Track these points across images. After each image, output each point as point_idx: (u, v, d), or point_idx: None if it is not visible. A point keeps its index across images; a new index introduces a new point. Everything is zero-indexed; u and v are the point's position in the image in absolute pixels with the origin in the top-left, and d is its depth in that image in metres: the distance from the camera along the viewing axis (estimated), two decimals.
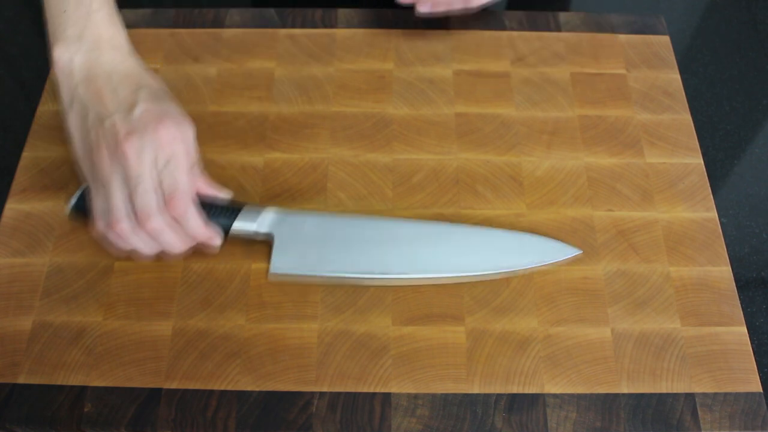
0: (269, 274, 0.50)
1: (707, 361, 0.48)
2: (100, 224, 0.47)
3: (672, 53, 0.64)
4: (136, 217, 0.46)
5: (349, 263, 0.50)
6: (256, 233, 0.50)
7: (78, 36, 0.49)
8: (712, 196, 0.56)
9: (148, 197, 0.46)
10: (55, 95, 0.58)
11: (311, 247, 0.50)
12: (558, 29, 0.65)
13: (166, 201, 0.46)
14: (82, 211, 0.47)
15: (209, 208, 0.49)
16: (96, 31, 0.49)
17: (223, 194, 0.51)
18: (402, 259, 0.50)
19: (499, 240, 0.51)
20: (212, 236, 0.49)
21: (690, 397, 0.47)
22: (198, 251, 0.50)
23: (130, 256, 0.49)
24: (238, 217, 0.49)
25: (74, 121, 0.48)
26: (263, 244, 0.52)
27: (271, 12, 0.65)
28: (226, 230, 0.48)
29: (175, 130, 0.46)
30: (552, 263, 0.51)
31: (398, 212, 0.54)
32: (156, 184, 0.46)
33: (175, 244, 0.48)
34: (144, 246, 0.48)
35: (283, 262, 0.50)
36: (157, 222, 0.46)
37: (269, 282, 0.51)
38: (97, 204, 0.47)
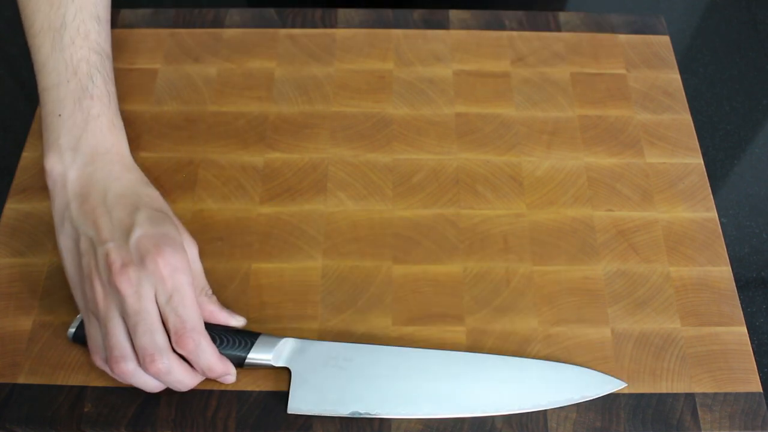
0: (288, 408, 0.45)
1: (707, 361, 0.48)
2: (98, 359, 0.43)
3: (672, 53, 0.64)
4: (139, 357, 0.41)
5: (374, 401, 0.45)
6: (272, 366, 0.46)
7: (73, 147, 0.44)
8: (712, 196, 0.56)
9: (150, 337, 0.41)
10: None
11: (331, 382, 0.45)
12: (558, 29, 0.65)
13: (174, 339, 0.42)
14: (83, 338, 0.45)
15: (221, 337, 0.45)
16: (93, 141, 0.45)
17: (235, 321, 0.47)
18: (430, 395, 0.45)
19: (537, 372, 0.46)
20: (227, 371, 0.44)
21: (690, 397, 0.47)
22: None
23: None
24: (252, 348, 0.46)
25: (65, 242, 0.44)
26: (259, 240, 0.52)
27: (271, 12, 0.65)
28: (241, 361, 0.45)
29: (177, 259, 0.42)
30: (594, 398, 0.46)
31: (398, 212, 0.54)
32: (159, 321, 0.42)
33: (185, 381, 0.44)
34: (150, 384, 0.43)
35: (301, 401, 0.45)
36: (163, 363, 0.41)
37: (269, 282, 0.51)
38: (93, 337, 0.43)
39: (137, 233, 0.42)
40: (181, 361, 0.43)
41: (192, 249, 0.46)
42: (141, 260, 0.41)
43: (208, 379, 0.46)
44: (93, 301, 0.42)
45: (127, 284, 0.41)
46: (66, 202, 0.44)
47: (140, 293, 0.41)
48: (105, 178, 0.45)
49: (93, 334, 0.43)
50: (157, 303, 0.42)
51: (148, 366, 0.41)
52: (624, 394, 0.47)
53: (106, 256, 0.41)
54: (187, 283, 0.42)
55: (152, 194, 0.46)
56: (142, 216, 0.43)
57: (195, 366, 0.43)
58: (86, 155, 0.45)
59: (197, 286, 0.46)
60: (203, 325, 0.43)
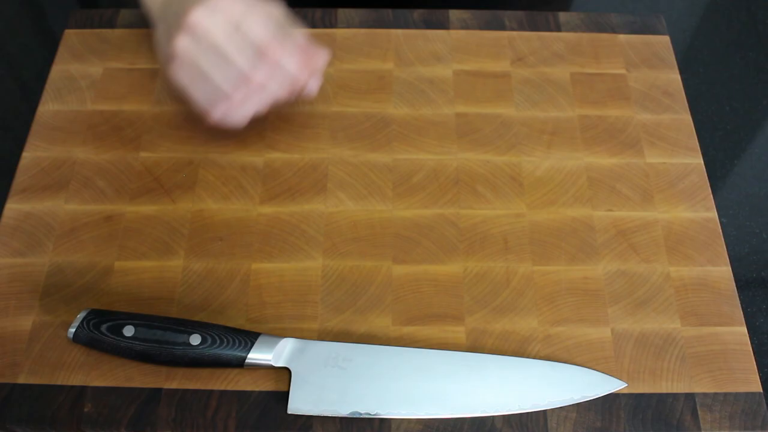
0: (288, 408, 0.45)
1: (707, 361, 0.48)
2: (214, 111, 0.49)
3: (672, 53, 0.64)
4: (241, 80, 0.47)
5: (374, 401, 0.45)
6: (272, 366, 0.46)
7: None
8: (712, 196, 0.56)
9: (242, 58, 0.47)
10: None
11: (331, 382, 0.45)
12: (558, 29, 0.65)
13: (260, 54, 0.47)
14: (83, 338, 0.46)
15: (221, 337, 0.46)
16: None
17: (320, 53, 0.51)
18: (430, 395, 0.45)
19: (537, 372, 0.47)
20: (313, 69, 0.50)
21: (690, 397, 0.47)
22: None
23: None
24: (253, 348, 0.46)
25: (160, 28, 0.50)
26: (259, 240, 0.52)
27: None
28: (241, 361, 0.46)
29: (214, 3, 0.46)
30: (595, 398, 0.46)
31: (398, 212, 0.54)
32: (241, 44, 0.47)
33: (282, 88, 0.49)
34: (257, 105, 0.49)
35: (301, 401, 0.45)
36: (261, 75, 0.48)
37: (269, 282, 0.51)
38: (201, 94, 0.49)
39: (181, 5, 0.48)
40: (275, 70, 0.48)
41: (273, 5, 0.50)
42: (207, 1, 0.46)
43: (208, 380, 0.46)
44: (182, 55, 0.48)
45: (201, 22, 0.46)
46: (159, 10, 0.51)
47: (216, 25, 0.46)
48: None
49: (201, 92, 0.49)
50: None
51: (251, 82, 0.48)
52: (624, 394, 0.47)
53: (181, 5, 0.48)
54: (249, 7, 0.47)
55: None
56: None
57: (285, 72, 0.49)
58: None
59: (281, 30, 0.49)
60: (276, 38, 0.48)
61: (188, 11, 0.47)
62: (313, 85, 0.52)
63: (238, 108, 0.50)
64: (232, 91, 0.48)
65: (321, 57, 0.52)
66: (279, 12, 0.50)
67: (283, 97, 0.51)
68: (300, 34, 0.51)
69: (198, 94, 0.50)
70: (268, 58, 0.48)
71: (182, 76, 0.49)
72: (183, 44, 0.47)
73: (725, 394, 0.47)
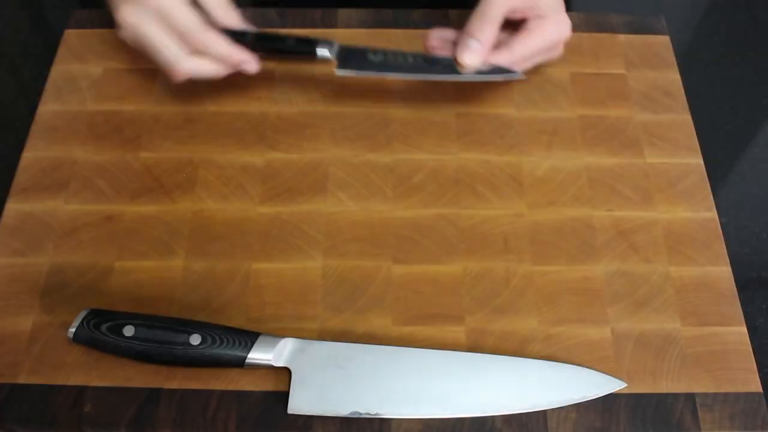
0: (288, 408, 0.45)
1: (707, 361, 0.48)
2: (173, 72, 0.52)
3: (672, 53, 0.64)
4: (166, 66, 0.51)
5: (374, 401, 0.45)
6: (272, 366, 0.46)
7: None
8: (712, 196, 0.56)
9: (159, 54, 0.50)
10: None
11: (331, 382, 0.45)
12: None
13: (185, 44, 0.51)
14: (83, 338, 0.46)
15: (221, 337, 0.46)
16: None
17: (250, 27, 0.54)
18: (430, 395, 0.45)
19: (537, 372, 0.46)
20: (242, 57, 0.53)
21: (690, 397, 0.47)
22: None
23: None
24: (253, 348, 0.46)
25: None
26: (259, 240, 0.52)
27: (271, 12, 0.65)
28: (241, 361, 0.46)
29: None
30: (595, 398, 0.46)
31: (398, 212, 0.54)
32: (162, 37, 0.50)
33: (215, 70, 0.53)
34: (202, 70, 0.53)
35: (301, 401, 0.45)
36: (183, 66, 0.51)
37: (269, 282, 0.51)
38: (153, 58, 0.52)
39: None
40: (200, 59, 0.52)
41: None
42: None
43: (208, 380, 0.46)
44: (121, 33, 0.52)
45: (126, 18, 0.50)
46: None
47: (140, 21, 0.50)
48: None
49: (156, 59, 0.52)
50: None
51: (172, 76, 0.51)
52: (624, 394, 0.47)
53: (111, 4, 0.52)
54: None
55: None
56: None
57: (215, 55, 0.52)
58: None
59: (217, 4, 0.53)
60: (201, 23, 0.51)
61: (118, 7, 0.51)
62: (252, 64, 0.54)
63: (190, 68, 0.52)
64: (170, 74, 0.52)
65: (248, 57, 0.54)
66: None
67: (223, 74, 0.54)
68: (230, 9, 0.54)
69: (151, 57, 0.53)
70: (195, 46, 0.51)
71: (131, 41, 0.52)
72: (124, 16, 0.51)
73: (725, 394, 0.47)
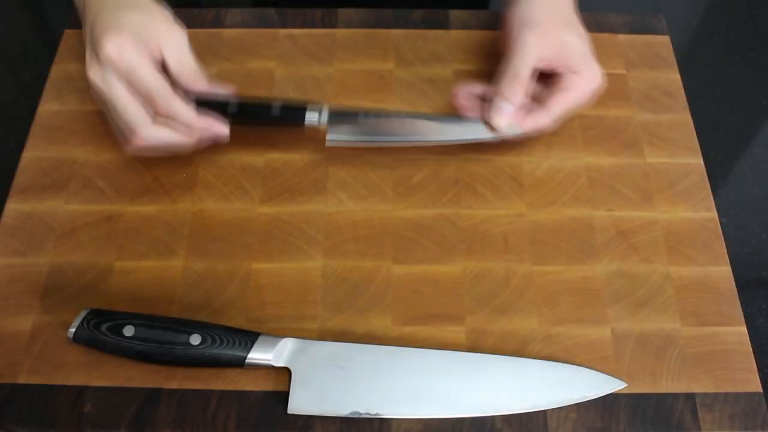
0: (288, 408, 0.45)
1: (707, 361, 0.48)
2: (126, 144, 0.50)
3: (672, 53, 0.64)
4: (125, 136, 0.49)
5: (374, 401, 0.45)
6: (272, 366, 0.46)
7: None
8: (712, 196, 0.56)
9: (124, 118, 0.48)
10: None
11: (332, 382, 0.45)
12: None
13: (150, 108, 0.48)
14: (83, 338, 0.46)
15: (221, 337, 0.46)
16: None
17: (224, 90, 0.52)
18: (430, 395, 0.45)
19: (537, 372, 0.46)
20: (209, 125, 0.50)
21: (690, 397, 0.47)
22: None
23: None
24: (253, 348, 0.46)
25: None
26: (259, 240, 0.52)
27: (271, 12, 0.65)
28: (241, 361, 0.46)
29: (121, 41, 0.47)
30: (595, 398, 0.46)
31: (398, 212, 0.54)
32: (129, 101, 0.48)
33: (179, 139, 0.50)
34: (164, 140, 0.50)
35: (301, 401, 0.45)
36: (147, 132, 0.48)
37: (269, 282, 0.51)
38: (114, 124, 0.50)
39: (96, 28, 0.48)
40: (168, 122, 0.49)
41: (178, 34, 0.51)
42: (96, 53, 0.47)
43: (208, 380, 0.46)
44: (94, 95, 0.50)
45: (94, 77, 0.48)
46: (81, 16, 0.52)
47: (107, 82, 0.47)
48: None
49: (113, 125, 0.50)
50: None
51: (132, 142, 0.48)
52: (624, 394, 0.47)
53: (86, 55, 0.49)
54: (138, 56, 0.48)
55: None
56: (106, 11, 0.49)
57: (179, 125, 0.49)
58: None
59: (184, 71, 0.51)
60: (169, 89, 0.48)
61: (87, 66, 0.49)
62: (220, 130, 0.51)
63: (146, 143, 0.50)
64: (126, 142, 0.50)
65: (216, 126, 0.51)
66: (179, 45, 0.51)
67: (189, 144, 0.51)
68: (198, 75, 0.52)
69: (113, 120, 0.50)
70: (158, 111, 0.48)
71: (97, 101, 0.50)
72: (92, 75, 0.48)
73: (725, 394, 0.47)
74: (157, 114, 0.49)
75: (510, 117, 0.52)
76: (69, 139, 0.57)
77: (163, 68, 0.51)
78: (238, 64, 0.62)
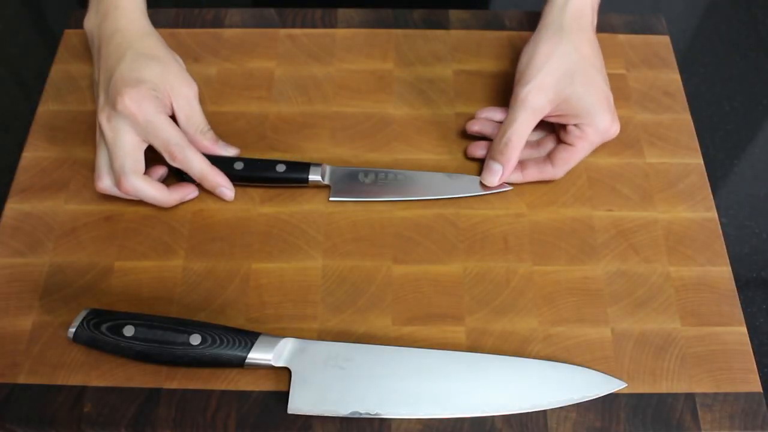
0: (288, 408, 0.45)
1: (707, 361, 0.48)
2: (98, 183, 0.51)
3: (672, 53, 0.64)
4: (114, 178, 0.50)
5: (374, 401, 0.45)
6: (272, 366, 0.46)
7: (96, 3, 0.53)
8: (712, 196, 0.56)
9: (119, 162, 0.50)
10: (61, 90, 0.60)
11: (331, 382, 0.45)
12: None
13: (167, 158, 0.50)
14: (83, 338, 0.46)
15: (221, 337, 0.46)
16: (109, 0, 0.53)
17: (227, 152, 0.54)
18: (430, 395, 0.45)
19: (537, 372, 0.46)
20: (219, 181, 0.52)
21: (690, 397, 0.47)
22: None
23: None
24: (253, 348, 0.46)
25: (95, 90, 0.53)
26: (259, 240, 0.52)
27: (271, 12, 0.65)
28: (241, 361, 0.46)
29: (141, 95, 0.49)
30: (595, 398, 0.46)
31: (398, 212, 0.54)
32: (133, 149, 0.50)
33: (159, 198, 0.51)
34: (149, 196, 0.51)
35: (301, 401, 0.45)
36: (127, 184, 0.50)
37: (269, 282, 0.51)
38: (98, 164, 0.52)
39: (114, 76, 0.50)
40: (148, 182, 0.51)
41: (188, 89, 0.53)
42: (113, 102, 0.49)
43: (208, 380, 0.46)
44: (97, 132, 0.52)
45: (104, 121, 0.50)
46: (95, 52, 0.54)
47: (115, 128, 0.50)
48: (111, 32, 0.52)
49: (98, 160, 0.51)
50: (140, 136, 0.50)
51: (119, 186, 0.50)
52: (624, 394, 0.47)
53: (98, 96, 0.51)
54: (155, 110, 0.50)
55: (149, 42, 0.53)
56: (124, 62, 0.51)
57: (192, 174, 0.52)
58: (102, 12, 0.53)
59: (192, 126, 0.53)
60: (186, 141, 0.51)
61: (99, 107, 0.51)
62: (227, 194, 0.54)
63: (107, 192, 0.52)
64: (99, 178, 0.51)
65: (225, 182, 0.53)
66: (189, 101, 0.53)
67: (168, 204, 0.52)
68: (205, 132, 0.54)
69: (98, 162, 0.52)
70: (173, 160, 0.51)
71: (103, 140, 0.52)
72: (103, 120, 0.50)
73: (725, 394, 0.47)
74: (174, 163, 0.51)
75: (499, 177, 0.53)
76: (69, 139, 0.57)
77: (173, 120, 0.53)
78: (238, 64, 0.62)
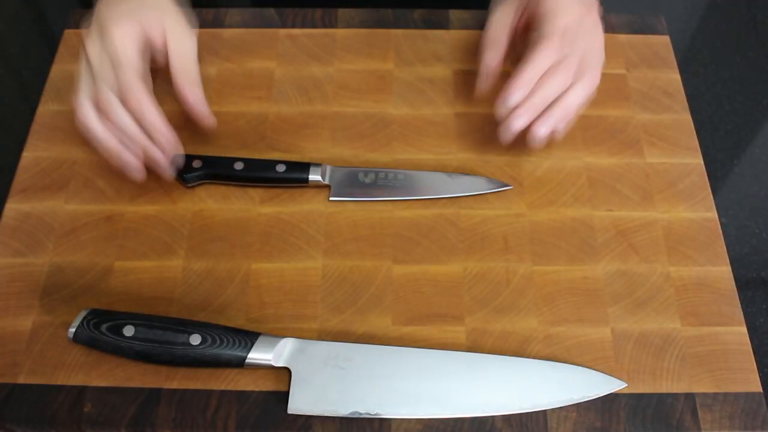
0: (288, 408, 0.45)
1: (707, 361, 0.48)
2: (75, 104, 0.50)
3: (672, 53, 0.64)
4: (99, 109, 0.49)
5: (374, 401, 0.45)
6: (272, 366, 0.46)
7: None
8: (712, 196, 0.56)
9: (106, 93, 0.48)
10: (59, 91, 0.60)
11: (331, 382, 0.45)
12: None
13: (120, 99, 0.49)
14: (83, 338, 0.46)
15: (221, 337, 0.46)
16: None
17: (208, 118, 0.53)
18: (430, 395, 0.45)
19: (537, 372, 0.46)
20: (168, 136, 0.50)
21: (690, 397, 0.47)
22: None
23: (112, 160, 0.51)
24: (253, 348, 0.46)
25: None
26: (259, 240, 0.52)
27: (271, 12, 0.65)
28: (241, 361, 0.46)
29: (128, 31, 0.49)
30: (595, 398, 0.46)
31: (398, 212, 0.54)
32: (113, 77, 0.49)
33: (109, 143, 0.49)
34: (108, 139, 0.49)
35: (301, 401, 0.45)
36: (119, 116, 0.48)
37: (269, 282, 0.51)
38: (80, 82, 0.50)
39: (113, 10, 0.50)
40: (149, 92, 0.49)
41: (186, 40, 0.53)
42: (102, 30, 0.49)
43: (208, 380, 0.46)
44: (81, 60, 0.51)
45: (90, 48, 0.50)
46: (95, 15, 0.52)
47: (101, 58, 0.49)
48: None
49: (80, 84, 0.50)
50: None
51: (108, 115, 0.49)
52: (624, 394, 0.47)
53: (89, 26, 0.51)
54: (133, 49, 0.49)
55: None
56: (127, 4, 0.51)
57: (142, 126, 0.49)
58: None
59: (183, 74, 0.52)
60: (148, 89, 0.50)
61: (86, 34, 0.50)
62: (175, 161, 0.52)
63: (88, 124, 0.50)
64: (81, 104, 0.50)
65: (171, 137, 0.51)
66: (186, 48, 0.53)
67: (136, 159, 0.51)
68: (196, 81, 0.53)
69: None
70: (126, 104, 0.49)
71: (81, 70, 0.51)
72: (90, 48, 0.50)
73: (725, 394, 0.47)
74: (126, 106, 0.49)
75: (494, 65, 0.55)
76: (69, 139, 0.57)
77: (166, 69, 0.51)
78: (238, 64, 0.62)
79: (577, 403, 0.46)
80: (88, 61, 0.50)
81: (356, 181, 0.54)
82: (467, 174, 0.55)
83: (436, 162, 0.56)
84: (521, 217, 0.54)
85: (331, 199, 0.54)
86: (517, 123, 0.52)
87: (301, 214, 0.54)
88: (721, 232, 0.54)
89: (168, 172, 0.52)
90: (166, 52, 0.52)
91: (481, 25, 0.65)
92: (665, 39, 0.65)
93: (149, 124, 0.50)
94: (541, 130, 0.52)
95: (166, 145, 0.51)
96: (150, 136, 0.50)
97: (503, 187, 0.54)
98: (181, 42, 0.52)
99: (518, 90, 0.51)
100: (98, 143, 0.50)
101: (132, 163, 0.50)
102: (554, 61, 0.52)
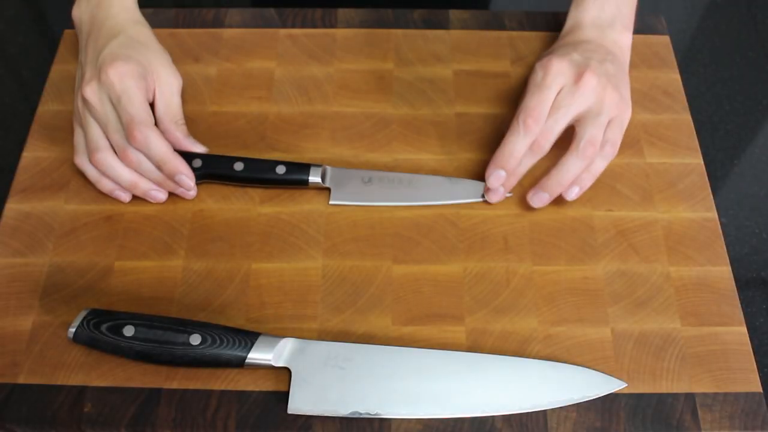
0: (288, 408, 0.45)
1: (707, 361, 0.48)
2: (80, 157, 0.52)
3: (672, 53, 0.64)
4: (116, 151, 0.51)
5: (374, 401, 0.45)
6: (272, 366, 0.46)
7: None
8: (712, 196, 0.56)
9: (120, 134, 0.50)
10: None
11: (331, 382, 0.45)
12: (558, 29, 0.64)
13: (126, 135, 0.50)
14: (83, 338, 0.46)
15: (221, 337, 0.46)
16: None
17: (197, 148, 0.54)
18: (430, 395, 0.45)
19: (537, 372, 0.46)
20: (178, 168, 0.51)
21: (690, 397, 0.47)
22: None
23: (117, 196, 0.53)
24: (253, 348, 0.46)
25: (77, 74, 0.54)
26: (259, 240, 0.52)
27: (271, 12, 0.65)
28: (241, 361, 0.46)
29: (127, 68, 0.50)
30: (595, 398, 0.46)
31: (398, 212, 0.54)
32: (119, 121, 0.50)
33: (168, 157, 0.51)
34: (124, 176, 0.51)
35: (301, 401, 0.45)
36: (133, 154, 0.50)
37: (269, 282, 0.51)
38: (78, 142, 0.53)
39: (104, 52, 0.51)
40: (160, 135, 0.51)
41: (173, 81, 0.54)
42: (99, 74, 0.50)
43: (208, 380, 0.47)
44: (76, 112, 0.53)
45: (90, 94, 0.50)
46: (83, 42, 0.54)
47: (102, 100, 0.50)
48: (105, 15, 0.53)
49: (78, 139, 0.53)
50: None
51: (123, 156, 0.51)
52: (624, 394, 0.47)
53: (83, 74, 0.52)
54: (135, 87, 0.50)
55: (141, 30, 0.54)
56: (116, 41, 0.52)
57: (151, 160, 0.51)
58: (94, 1, 0.54)
59: (168, 115, 0.54)
60: (152, 121, 0.51)
61: (84, 82, 0.51)
62: (186, 181, 0.52)
63: (104, 166, 0.51)
64: (97, 150, 0.51)
65: (185, 170, 0.52)
66: (172, 91, 0.54)
67: (152, 190, 0.53)
68: (179, 124, 0.54)
69: (76, 136, 0.53)
70: (132, 141, 0.50)
71: (78, 116, 0.53)
72: (89, 93, 0.51)
73: (725, 394, 0.47)
74: (133, 142, 0.50)
75: (500, 180, 0.52)
76: (69, 139, 0.57)
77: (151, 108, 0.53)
78: (238, 64, 0.62)
79: (577, 403, 0.46)
80: (87, 106, 0.51)
81: (356, 185, 0.54)
82: (469, 179, 0.55)
83: (435, 162, 0.56)
84: (521, 217, 0.54)
85: (331, 203, 0.54)
86: (537, 203, 0.53)
87: (301, 214, 0.54)
88: (721, 232, 0.54)
89: (189, 195, 0.53)
90: (153, 91, 0.53)
91: (481, 25, 0.65)
92: (665, 39, 0.65)
93: (158, 158, 0.51)
94: (568, 196, 0.53)
95: (175, 174, 0.52)
96: (160, 168, 0.52)
97: (505, 195, 0.54)
98: (168, 83, 0.54)
99: (545, 193, 0.52)
100: (119, 184, 0.53)
101: (151, 193, 0.53)
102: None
